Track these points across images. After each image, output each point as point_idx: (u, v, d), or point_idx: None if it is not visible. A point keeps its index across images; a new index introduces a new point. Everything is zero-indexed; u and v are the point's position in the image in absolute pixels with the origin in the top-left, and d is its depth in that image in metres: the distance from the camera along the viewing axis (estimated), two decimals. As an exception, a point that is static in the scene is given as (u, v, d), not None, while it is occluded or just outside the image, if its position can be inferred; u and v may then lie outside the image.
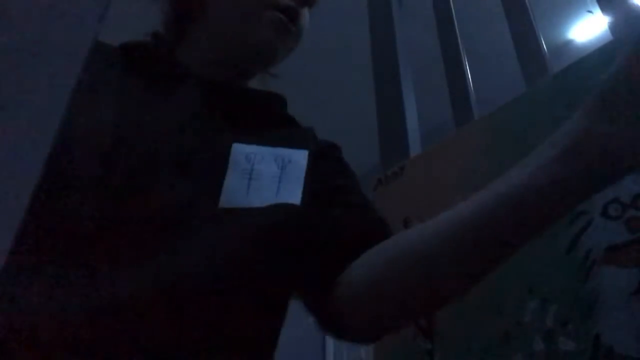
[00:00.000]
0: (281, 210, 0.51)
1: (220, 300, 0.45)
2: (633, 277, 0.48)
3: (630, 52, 0.36)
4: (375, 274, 0.47)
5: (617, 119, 0.35)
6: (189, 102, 0.57)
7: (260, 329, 0.49)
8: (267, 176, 0.54)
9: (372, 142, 1.18)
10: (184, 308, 0.42)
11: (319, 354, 4.43)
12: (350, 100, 3.52)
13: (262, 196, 0.51)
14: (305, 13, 0.64)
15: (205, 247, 0.45)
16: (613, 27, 0.80)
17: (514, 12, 1.01)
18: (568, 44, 3.22)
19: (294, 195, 0.53)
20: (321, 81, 3.38)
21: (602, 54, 0.62)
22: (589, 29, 3.11)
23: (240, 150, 0.55)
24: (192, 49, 0.62)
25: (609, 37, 0.77)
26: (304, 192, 0.54)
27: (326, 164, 0.60)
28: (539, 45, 0.93)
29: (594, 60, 0.62)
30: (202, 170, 0.51)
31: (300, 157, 0.58)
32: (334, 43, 3.05)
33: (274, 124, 0.62)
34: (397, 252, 0.46)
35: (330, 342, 4.51)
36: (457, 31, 1.10)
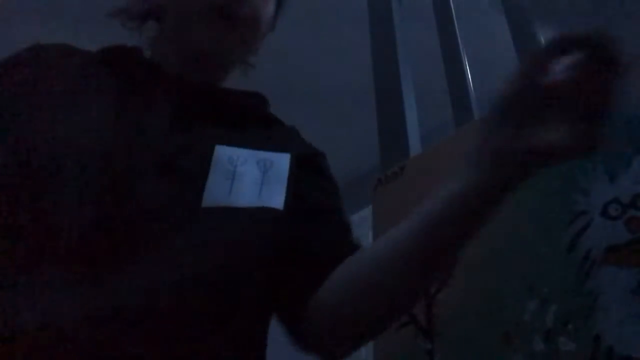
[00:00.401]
0: (264, 213, 0.51)
1: (204, 305, 0.44)
2: (633, 277, 0.48)
3: (529, 57, 0.37)
4: (333, 299, 0.49)
5: (512, 119, 0.37)
6: (168, 104, 0.57)
7: (245, 333, 0.49)
8: (249, 178, 0.54)
9: (373, 142, 1.18)
10: (166, 315, 0.42)
11: (319, 354, 4.43)
12: (350, 100, 3.52)
13: (244, 198, 0.52)
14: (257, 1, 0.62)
15: (188, 250, 0.45)
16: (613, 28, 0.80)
17: (514, 12, 1.01)
18: (568, 44, 3.22)
19: (276, 200, 0.53)
20: (321, 81, 3.38)
21: (602, 54, 0.62)
22: (589, 29, 3.12)
23: (223, 152, 0.55)
24: (162, 49, 0.62)
25: (609, 37, 0.76)
26: (286, 196, 0.54)
27: (306, 175, 0.60)
28: (539, 45, 0.93)
29: (594, 60, 0.62)
30: (185, 172, 0.51)
31: (282, 161, 0.58)
32: (334, 43, 3.05)
33: (255, 124, 0.62)
34: (349, 279, 0.49)
35: (330, 342, 4.51)
36: (457, 31, 1.10)
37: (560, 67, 0.35)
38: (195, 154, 0.53)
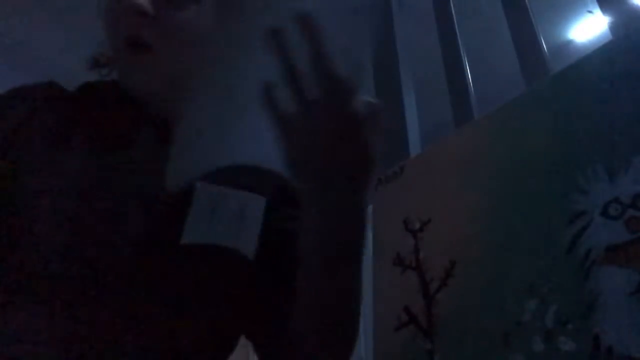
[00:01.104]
0: (237, 258, 0.52)
1: (178, 337, 0.46)
2: (633, 277, 0.48)
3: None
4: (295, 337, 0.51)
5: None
6: (146, 141, 0.57)
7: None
8: (227, 218, 0.55)
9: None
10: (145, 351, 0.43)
11: (319, 354, 4.44)
12: (350, 100, 3.52)
13: (221, 237, 0.53)
14: (168, 15, 0.58)
15: (165, 285, 0.46)
16: (613, 27, 0.80)
17: (514, 12, 1.01)
18: (568, 44, 3.22)
19: (249, 243, 0.54)
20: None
21: (602, 54, 0.62)
22: (589, 29, 3.11)
23: (203, 190, 0.56)
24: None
25: (609, 37, 0.76)
26: (258, 242, 0.55)
27: (278, 216, 0.61)
28: (539, 45, 0.93)
29: (594, 61, 0.62)
30: (166, 209, 0.52)
31: (259, 204, 0.58)
32: (334, 43, 3.05)
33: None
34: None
35: (330, 342, 4.51)
36: (457, 31, 1.10)
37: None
38: (176, 190, 0.54)
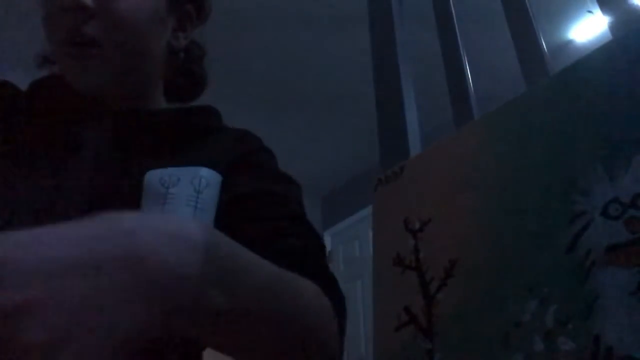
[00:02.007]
0: None
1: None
2: (633, 278, 0.48)
3: None
4: None
5: None
6: (100, 138, 0.56)
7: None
8: (182, 199, 0.51)
9: (373, 142, 1.18)
10: None
11: (319, 354, 4.43)
12: (349, 100, 3.52)
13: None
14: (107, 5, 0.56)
15: None
16: (613, 28, 0.80)
17: (514, 12, 1.01)
18: (568, 44, 3.21)
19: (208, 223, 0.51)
20: (321, 82, 3.38)
21: (602, 54, 0.62)
22: (589, 29, 3.11)
23: (153, 176, 0.53)
24: None
25: (609, 37, 0.76)
26: (216, 219, 0.52)
27: (238, 179, 0.58)
28: (539, 45, 0.93)
29: (594, 61, 0.62)
30: (119, 206, 0.51)
31: (215, 179, 0.55)
32: (334, 42, 3.05)
33: (190, 140, 0.59)
34: None
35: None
36: (457, 31, 1.10)
37: None
38: (129, 185, 0.52)
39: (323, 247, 0.62)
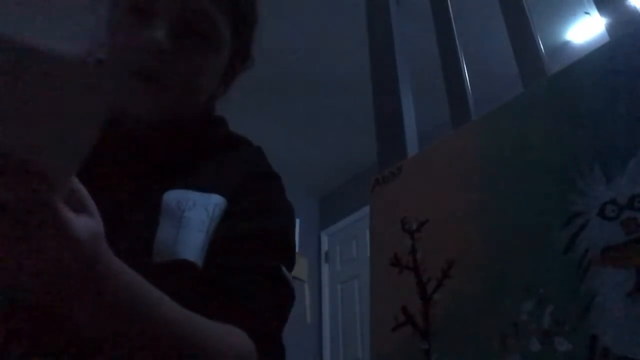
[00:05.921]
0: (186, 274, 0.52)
1: None
2: (629, 278, 0.48)
3: None
4: None
5: None
6: (118, 155, 0.56)
7: None
8: (196, 224, 0.54)
9: (371, 142, 1.18)
10: None
11: (316, 356, 4.44)
12: (349, 101, 3.53)
13: (187, 248, 0.52)
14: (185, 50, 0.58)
15: None
16: (610, 29, 0.80)
17: (512, 13, 1.01)
18: (565, 45, 3.22)
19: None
20: (321, 82, 3.38)
21: (599, 55, 0.62)
22: (586, 30, 3.11)
23: (171, 198, 0.55)
24: None
25: (607, 38, 0.77)
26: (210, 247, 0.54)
27: (234, 208, 0.59)
28: (537, 46, 0.94)
29: (591, 62, 0.62)
30: (136, 226, 0.51)
31: (223, 206, 0.58)
32: (333, 43, 3.05)
33: (204, 156, 0.62)
34: None
35: (327, 344, 4.52)
36: (455, 31, 1.10)
37: None
38: (146, 204, 0.53)
39: (284, 302, 0.64)
